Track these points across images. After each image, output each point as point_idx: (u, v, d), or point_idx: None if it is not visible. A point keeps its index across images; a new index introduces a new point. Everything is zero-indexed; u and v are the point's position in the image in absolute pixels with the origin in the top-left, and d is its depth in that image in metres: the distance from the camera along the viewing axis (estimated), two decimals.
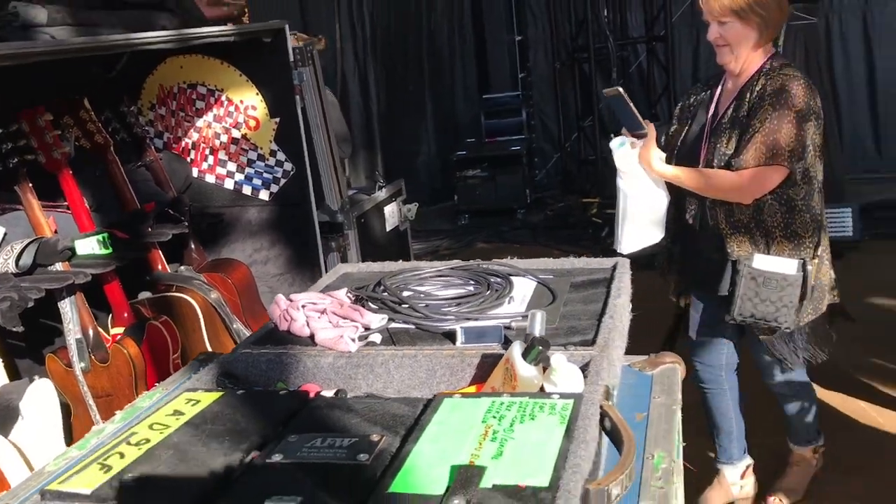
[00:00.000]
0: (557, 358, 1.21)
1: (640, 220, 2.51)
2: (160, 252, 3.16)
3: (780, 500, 2.79)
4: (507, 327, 1.50)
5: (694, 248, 2.61)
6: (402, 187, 4.43)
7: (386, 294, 1.70)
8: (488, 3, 8.29)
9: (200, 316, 3.13)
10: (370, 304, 1.68)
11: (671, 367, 1.56)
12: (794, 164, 2.32)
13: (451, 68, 8.60)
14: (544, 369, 1.26)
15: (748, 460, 2.84)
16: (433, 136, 8.63)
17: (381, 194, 4.15)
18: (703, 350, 2.72)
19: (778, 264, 2.34)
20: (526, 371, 1.24)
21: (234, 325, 3.19)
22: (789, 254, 2.38)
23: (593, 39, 7.37)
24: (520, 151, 7.66)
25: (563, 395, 1.19)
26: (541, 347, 1.23)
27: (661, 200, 2.51)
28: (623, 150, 2.46)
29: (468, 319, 1.56)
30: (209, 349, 3.13)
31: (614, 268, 1.80)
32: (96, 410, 2.88)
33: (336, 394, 1.42)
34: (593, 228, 6.77)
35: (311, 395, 1.41)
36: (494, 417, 1.15)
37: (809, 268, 2.35)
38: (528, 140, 8.07)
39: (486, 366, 1.41)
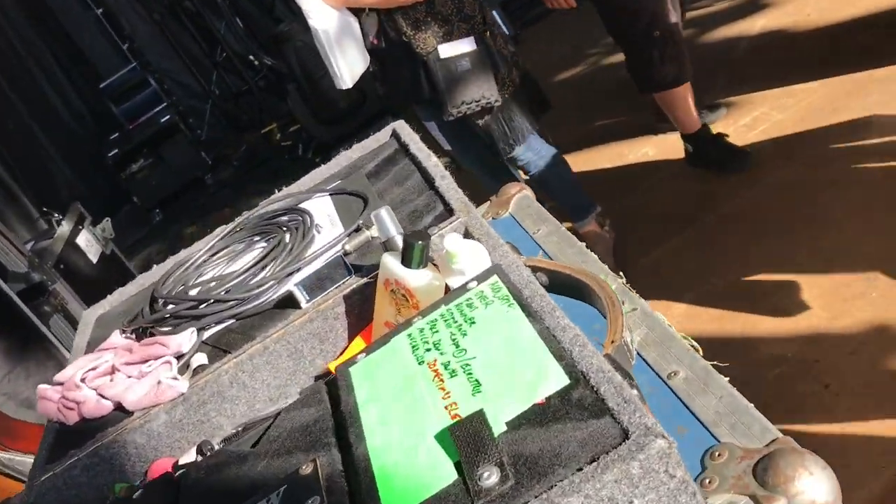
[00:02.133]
0: (450, 240, 0.92)
1: (345, 47, 2.49)
2: None
3: None
4: (346, 253, 1.18)
5: (390, 66, 2.61)
6: (80, 210, 3.76)
7: (172, 306, 1.28)
8: None
9: None
10: (160, 327, 1.26)
11: (523, 196, 1.34)
12: None
13: (44, 80, 7.41)
14: (435, 266, 0.98)
15: (597, 207, 2.98)
16: (69, 152, 7.55)
17: (65, 228, 3.48)
18: (476, 156, 2.75)
19: (461, 46, 2.46)
20: (419, 279, 0.95)
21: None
22: (467, 34, 2.47)
23: None
24: (171, 120, 6.98)
25: (479, 278, 0.91)
26: (420, 242, 0.93)
27: (352, 24, 2.49)
28: None
29: (290, 276, 1.22)
30: None
31: (394, 135, 1.52)
32: None
33: (200, 451, 1.03)
34: (289, 151, 6.40)
35: (172, 472, 1.02)
36: (429, 350, 0.85)
37: (488, 40, 2.50)
38: (173, 104, 7.37)
39: (358, 308, 1.09)
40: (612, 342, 0.76)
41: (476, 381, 0.77)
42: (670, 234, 3.11)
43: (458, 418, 0.74)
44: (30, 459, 2.68)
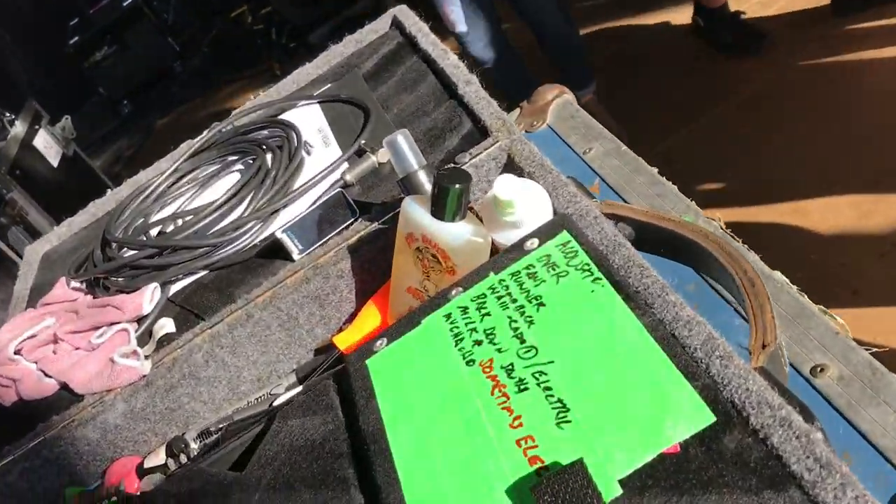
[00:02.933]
0: (503, 184, 0.66)
1: None
2: None
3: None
4: (346, 185, 0.92)
5: None
6: (35, 107, 3.41)
7: (129, 251, 1.02)
8: None
9: None
10: (117, 279, 1.01)
11: (564, 102, 1.07)
12: None
13: None
14: (476, 216, 0.72)
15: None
16: (23, 40, 7.00)
17: (19, 129, 3.14)
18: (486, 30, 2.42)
19: None
20: (456, 235, 0.69)
21: None
22: None
23: None
24: (135, 3, 6.45)
25: (541, 235, 0.66)
26: (458, 186, 0.67)
27: None
28: None
29: (276, 213, 0.96)
30: None
31: (395, 24, 1.22)
32: None
33: (171, 452, 0.80)
34: (262, 36, 5.94)
35: (134, 482, 0.79)
36: (480, 342, 0.61)
37: None
38: None
39: (368, 263, 0.84)
40: (765, 346, 0.52)
41: (559, 402, 0.53)
42: (680, 124, 2.83)
43: (540, 465, 0.50)
44: None
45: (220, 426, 0.78)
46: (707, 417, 0.47)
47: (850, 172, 2.27)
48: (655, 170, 0.87)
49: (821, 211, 2.28)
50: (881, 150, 2.24)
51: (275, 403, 0.79)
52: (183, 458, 0.80)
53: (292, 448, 0.64)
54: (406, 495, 0.54)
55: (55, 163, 3.36)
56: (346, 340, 0.81)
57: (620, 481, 0.47)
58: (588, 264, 0.61)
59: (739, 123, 2.68)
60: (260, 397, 0.84)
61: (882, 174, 2.19)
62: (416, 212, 0.71)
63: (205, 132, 1.20)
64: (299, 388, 0.79)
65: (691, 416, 0.48)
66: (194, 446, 0.81)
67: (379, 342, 0.67)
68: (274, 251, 0.90)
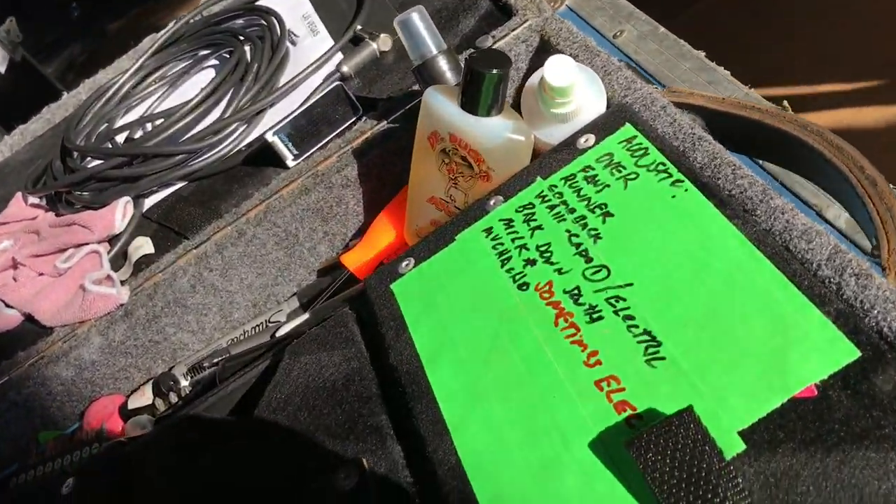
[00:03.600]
0: (555, 64, 0.54)
1: None
2: None
3: None
4: (343, 78, 0.79)
5: None
6: None
7: (94, 161, 0.89)
8: None
9: None
10: (81, 193, 0.88)
11: None
12: None
13: None
14: (514, 110, 0.60)
15: None
16: None
17: None
18: None
19: None
20: (493, 132, 0.57)
21: None
22: None
23: None
24: None
25: (596, 129, 0.55)
26: (496, 71, 0.55)
27: None
28: None
29: (261, 113, 0.83)
30: None
31: None
32: None
33: (158, 391, 0.70)
34: None
35: (118, 425, 0.69)
36: (533, 261, 0.50)
37: None
38: None
39: (378, 169, 0.72)
40: None
41: (647, 335, 0.43)
42: None
43: (630, 412, 0.41)
44: None
45: (216, 360, 0.68)
46: (849, 352, 0.38)
47: None
48: (702, 53, 0.76)
49: (854, 103, 2.04)
50: None
51: (277, 334, 0.68)
52: (173, 397, 0.70)
53: (309, 390, 0.54)
54: (459, 448, 0.44)
55: (2, 69, 3.13)
56: (355, 259, 0.70)
57: (742, 434, 0.38)
58: (664, 163, 0.50)
59: None
60: (258, 326, 0.73)
61: None
62: (441, 105, 0.59)
63: (171, 24, 1.05)
64: (304, 316, 0.68)
65: (827, 351, 0.38)
66: (185, 383, 0.71)
67: (405, 263, 0.57)
68: (264, 158, 0.78)
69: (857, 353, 0.37)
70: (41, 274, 0.80)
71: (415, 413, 0.48)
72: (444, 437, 0.45)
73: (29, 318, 0.78)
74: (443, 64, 0.64)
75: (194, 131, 0.84)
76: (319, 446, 0.50)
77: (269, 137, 0.74)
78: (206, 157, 0.82)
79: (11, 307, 0.78)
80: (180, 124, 0.84)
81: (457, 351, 0.49)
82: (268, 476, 0.51)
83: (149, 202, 0.84)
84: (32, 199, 0.93)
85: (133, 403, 0.71)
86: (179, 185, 0.84)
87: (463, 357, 0.49)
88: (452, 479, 0.43)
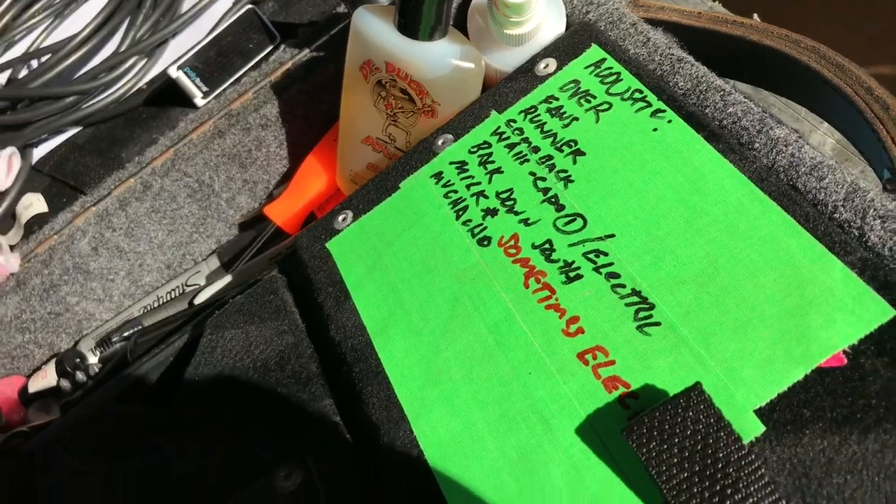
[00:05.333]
0: None
1: None
2: None
3: None
4: (256, 1, 0.69)
5: None
6: None
7: None
8: None
9: None
10: None
11: None
12: None
13: None
14: (461, 33, 0.52)
15: None
16: None
17: None
18: None
19: None
20: (437, 57, 0.49)
21: None
22: None
23: None
24: None
25: (558, 52, 0.47)
26: None
27: None
28: None
29: (162, 45, 0.72)
30: None
31: None
32: None
33: (63, 372, 0.61)
34: None
35: (19, 412, 0.61)
36: (494, 211, 0.43)
37: None
38: None
39: (303, 108, 0.63)
40: None
41: (635, 296, 0.37)
42: None
43: (623, 391, 0.34)
44: None
45: (126, 333, 0.59)
46: (881, 310, 0.32)
47: None
48: None
49: None
50: None
51: (196, 300, 0.60)
52: (80, 377, 0.61)
53: (235, 372, 0.46)
54: (419, 437, 0.38)
55: None
56: (281, 211, 0.61)
57: (759, 413, 0.32)
58: (641, 90, 0.43)
59: None
60: (173, 291, 0.64)
61: None
62: (374, 28, 0.50)
63: None
64: (227, 278, 0.60)
65: (854, 310, 0.32)
66: (93, 360, 0.62)
67: (342, 217, 0.49)
68: (169, 97, 0.68)
69: (893, 312, 0.31)
70: None
71: (364, 396, 0.41)
72: (401, 425, 0.39)
73: None
74: None
75: (87, 68, 0.73)
76: (254, 440, 0.43)
77: (173, 73, 0.64)
78: (101, 97, 0.71)
79: None
80: (70, 60, 0.73)
81: (410, 320, 0.42)
82: (198, 478, 0.43)
83: (38, 153, 0.73)
84: None
85: (34, 386, 0.62)
86: (73, 131, 0.73)
87: (418, 327, 0.41)
88: (413, 475, 0.37)
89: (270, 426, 0.43)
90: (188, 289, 0.63)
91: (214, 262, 0.65)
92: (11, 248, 0.64)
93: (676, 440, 0.31)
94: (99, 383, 0.59)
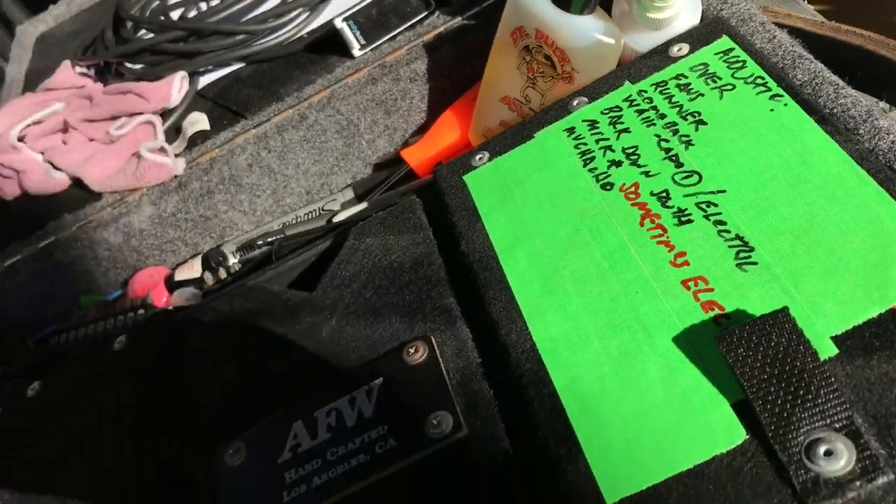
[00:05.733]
0: None
1: None
2: None
3: None
4: None
5: None
6: None
7: (147, 34, 0.87)
8: None
9: None
10: (131, 64, 0.87)
11: None
12: None
13: None
14: (605, 13, 0.59)
15: None
16: None
17: None
18: None
19: None
20: (583, 32, 0.56)
21: None
22: None
23: None
24: None
25: (692, 38, 0.54)
26: None
27: None
28: None
29: (326, 2, 0.81)
30: None
31: None
32: None
33: (207, 265, 0.70)
34: None
35: (163, 296, 0.70)
36: (618, 163, 0.50)
37: None
38: None
39: (449, 68, 0.71)
40: None
41: (738, 240, 0.43)
42: None
43: (718, 311, 0.41)
44: None
45: (270, 239, 0.68)
46: None
47: None
48: None
49: None
50: None
51: (335, 220, 0.68)
52: (222, 273, 0.70)
53: (374, 269, 0.54)
54: (534, 333, 0.45)
55: None
56: (416, 155, 0.69)
57: (835, 339, 0.38)
58: (763, 77, 0.49)
59: None
60: (311, 213, 0.73)
61: None
62: (530, 1, 0.58)
63: None
64: (362, 205, 0.68)
65: None
66: (234, 261, 0.71)
67: (479, 156, 0.56)
68: (327, 46, 0.76)
69: None
70: (92, 140, 0.79)
71: (486, 299, 0.48)
72: (518, 322, 0.46)
73: (76, 183, 0.78)
74: None
75: (256, 12, 0.82)
76: (386, 322, 0.50)
77: (339, 23, 0.73)
78: (266, 39, 0.80)
79: (60, 170, 0.78)
80: (242, 4, 0.83)
81: (533, 244, 0.49)
82: (331, 349, 0.51)
83: (203, 80, 0.83)
84: (81, 69, 0.92)
85: (180, 275, 0.71)
86: (236, 66, 0.83)
87: (540, 250, 0.48)
88: (526, 362, 0.44)
89: (401, 312, 0.50)
90: (324, 212, 0.72)
91: (349, 194, 0.73)
92: (176, 156, 0.74)
93: (761, 349, 0.37)
94: (239, 277, 0.67)
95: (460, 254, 0.51)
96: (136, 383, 0.57)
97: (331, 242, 0.60)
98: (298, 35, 0.80)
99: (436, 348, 0.47)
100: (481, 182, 0.55)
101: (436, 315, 0.49)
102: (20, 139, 0.80)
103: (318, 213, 0.72)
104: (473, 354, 0.47)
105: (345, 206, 0.72)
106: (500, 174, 0.54)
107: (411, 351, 0.47)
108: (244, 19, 0.83)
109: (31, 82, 1.01)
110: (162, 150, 0.73)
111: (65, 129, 0.81)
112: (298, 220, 0.73)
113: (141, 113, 0.78)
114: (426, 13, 0.73)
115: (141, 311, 0.68)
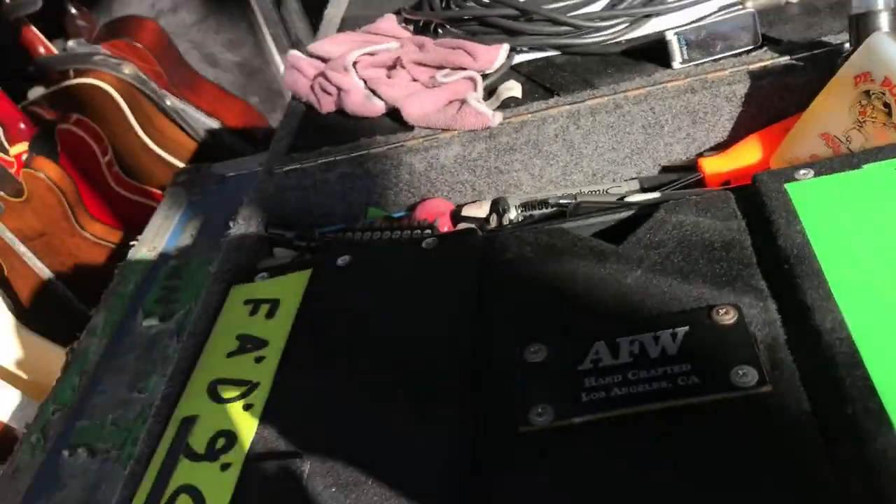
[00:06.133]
0: None
1: None
2: (34, 28, 2.27)
3: None
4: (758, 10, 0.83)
5: None
6: None
7: (476, 6, 0.97)
8: None
9: (120, 101, 2.33)
10: (453, 29, 0.97)
11: None
12: None
13: None
14: None
15: None
16: None
17: None
18: None
19: None
20: None
21: (169, 103, 2.42)
22: None
23: None
24: None
25: None
26: None
27: None
28: None
29: (647, 19, 0.88)
30: (146, 140, 2.40)
31: None
32: (33, 256, 2.20)
33: (496, 209, 0.78)
34: None
35: (446, 225, 0.77)
36: None
37: None
38: None
39: (763, 97, 0.76)
40: None
41: None
42: None
43: None
44: (201, 116, 2.57)
45: (563, 202, 0.74)
46: None
47: None
48: None
49: None
50: None
51: (627, 199, 0.74)
52: (506, 220, 0.77)
53: (684, 240, 0.59)
54: (850, 324, 0.48)
55: None
56: (714, 166, 0.75)
57: None
58: None
59: None
60: (596, 191, 0.79)
61: None
62: (888, 50, 0.62)
63: None
64: (653, 194, 0.74)
65: None
66: (515, 214, 0.78)
67: (803, 171, 0.61)
68: (645, 53, 0.84)
69: None
70: (414, 80, 0.89)
71: (802, 286, 0.52)
72: (834, 312, 0.49)
73: (390, 114, 0.88)
74: (883, 20, 0.67)
75: (585, 10, 0.90)
76: (693, 285, 0.56)
77: (669, 35, 0.79)
78: (589, 37, 0.88)
79: (381, 98, 0.88)
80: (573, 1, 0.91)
81: (854, 253, 0.53)
82: (635, 294, 0.56)
83: (517, 58, 0.92)
84: (404, 23, 1.03)
85: (467, 211, 0.79)
86: (552, 53, 0.91)
87: (867, 266, 0.52)
88: (840, 346, 0.47)
89: (710, 281, 0.55)
90: (610, 195, 0.78)
91: (634, 185, 0.79)
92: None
93: None
94: (518, 225, 0.75)
95: (776, 248, 0.56)
96: (440, 275, 0.64)
97: (631, 214, 0.66)
98: (615, 40, 0.88)
99: (744, 314, 0.52)
100: (803, 193, 0.59)
101: (746, 290, 0.54)
102: (353, 65, 0.91)
103: (603, 193, 0.79)
104: (780, 331, 0.51)
105: (629, 194, 0.78)
106: (823, 192, 0.59)
107: (721, 311, 0.52)
108: (572, 13, 0.91)
109: (346, 25, 1.14)
110: (480, 102, 0.82)
111: (392, 65, 0.91)
112: (581, 194, 0.79)
113: (464, 69, 0.87)
114: (752, 48, 0.78)
115: (427, 231, 0.76)
